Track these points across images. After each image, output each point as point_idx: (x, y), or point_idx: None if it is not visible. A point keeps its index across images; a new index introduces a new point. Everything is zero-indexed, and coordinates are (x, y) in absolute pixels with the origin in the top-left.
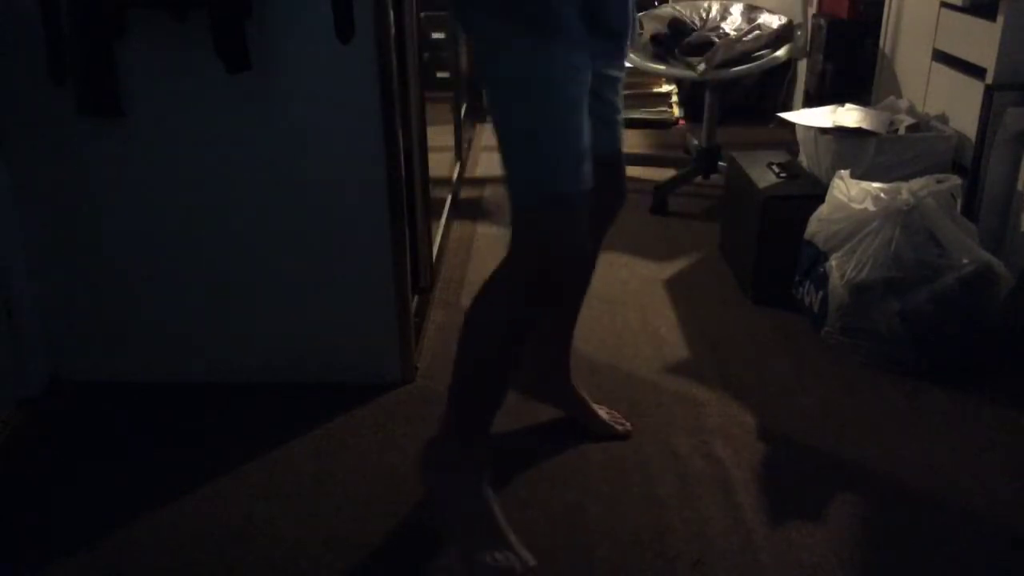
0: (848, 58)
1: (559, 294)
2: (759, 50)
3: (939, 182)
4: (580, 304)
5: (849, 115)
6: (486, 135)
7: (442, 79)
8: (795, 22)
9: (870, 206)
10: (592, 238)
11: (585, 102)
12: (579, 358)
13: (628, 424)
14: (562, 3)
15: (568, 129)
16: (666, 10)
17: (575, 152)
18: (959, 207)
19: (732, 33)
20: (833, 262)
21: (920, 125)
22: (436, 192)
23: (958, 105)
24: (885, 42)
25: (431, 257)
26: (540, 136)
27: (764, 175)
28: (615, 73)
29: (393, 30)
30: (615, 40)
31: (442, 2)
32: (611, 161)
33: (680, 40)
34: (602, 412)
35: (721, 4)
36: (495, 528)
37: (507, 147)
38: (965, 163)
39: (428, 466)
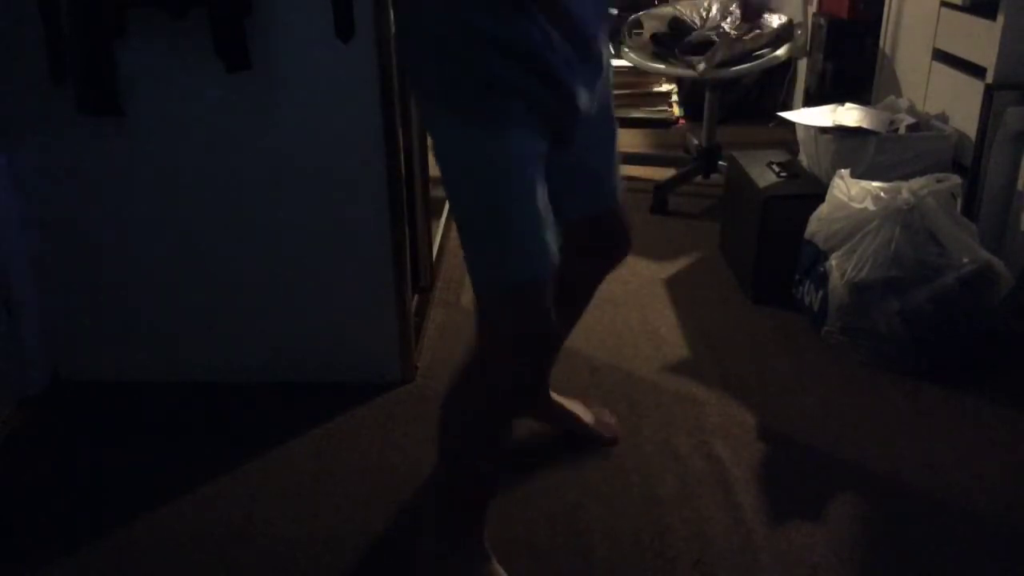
0: (848, 57)
1: (533, 375)
2: (759, 49)
3: (939, 181)
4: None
5: (849, 114)
6: None
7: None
8: (795, 21)
9: (870, 205)
10: (590, 281)
11: (540, 185)
12: (579, 358)
13: (615, 427)
14: (509, 93)
15: (522, 218)
16: (666, 9)
17: (530, 241)
18: (959, 207)
19: (732, 32)
20: (833, 261)
21: (920, 124)
22: (436, 191)
23: (958, 104)
24: (885, 41)
25: (431, 256)
26: (493, 227)
27: (764, 174)
28: (602, 133)
29: (393, 29)
30: (598, 116)
31: None
32: (609, 215)
33: (680, 39)
34: (588, 417)
35: (721, 3)
36: None
37: (464, 236)
38: (965, 162)
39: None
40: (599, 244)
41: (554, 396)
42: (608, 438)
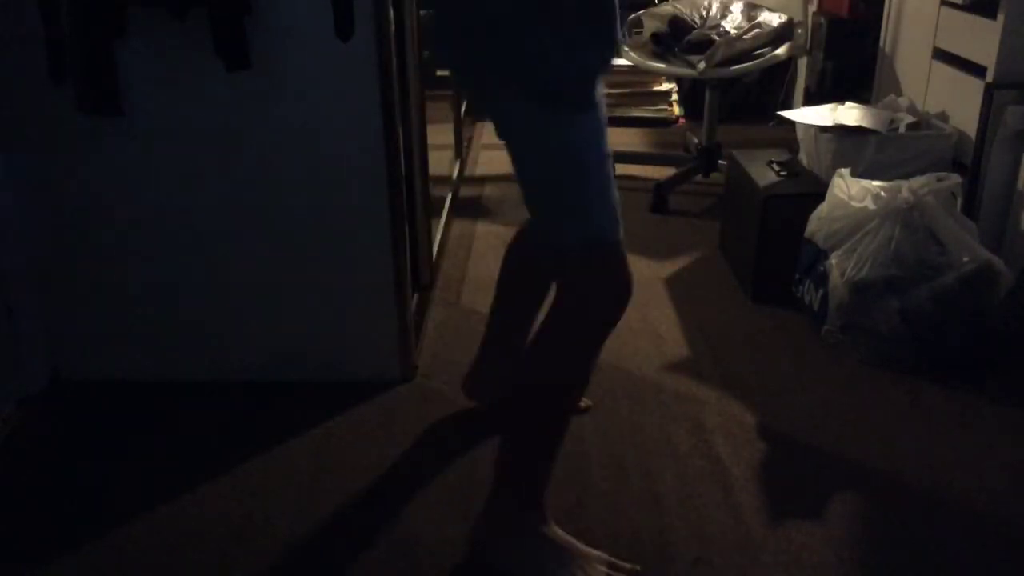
0: (848, 56)
1: (614, 324)
2: (759, 48)
3: (939, 180)
4: (535, 313)
5: (849, 113)
6: (486, 133)
7: (442, 77)
8: (795, 20)
9: (870, 204)
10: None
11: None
12: None
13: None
14: (593, 83)
15: (607, 184)
16: (666, 8)
17: (613, 204)
18: (959, 205)
19: (732, 31)
20: (833, 260)
21: (920, 123)
22: (436, 190)
23: (958, 103)
24: (885, 40)
25: (431, 255)
26: (587, 192)
27: (764, 173)
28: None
29: (393, 28)
30: None
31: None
32: None
33: (680, 38)
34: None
35: (721, 2)
36: (583, 552)
37: (551, 208)
38: (965, 161)
39: (489, 539)
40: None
41: None
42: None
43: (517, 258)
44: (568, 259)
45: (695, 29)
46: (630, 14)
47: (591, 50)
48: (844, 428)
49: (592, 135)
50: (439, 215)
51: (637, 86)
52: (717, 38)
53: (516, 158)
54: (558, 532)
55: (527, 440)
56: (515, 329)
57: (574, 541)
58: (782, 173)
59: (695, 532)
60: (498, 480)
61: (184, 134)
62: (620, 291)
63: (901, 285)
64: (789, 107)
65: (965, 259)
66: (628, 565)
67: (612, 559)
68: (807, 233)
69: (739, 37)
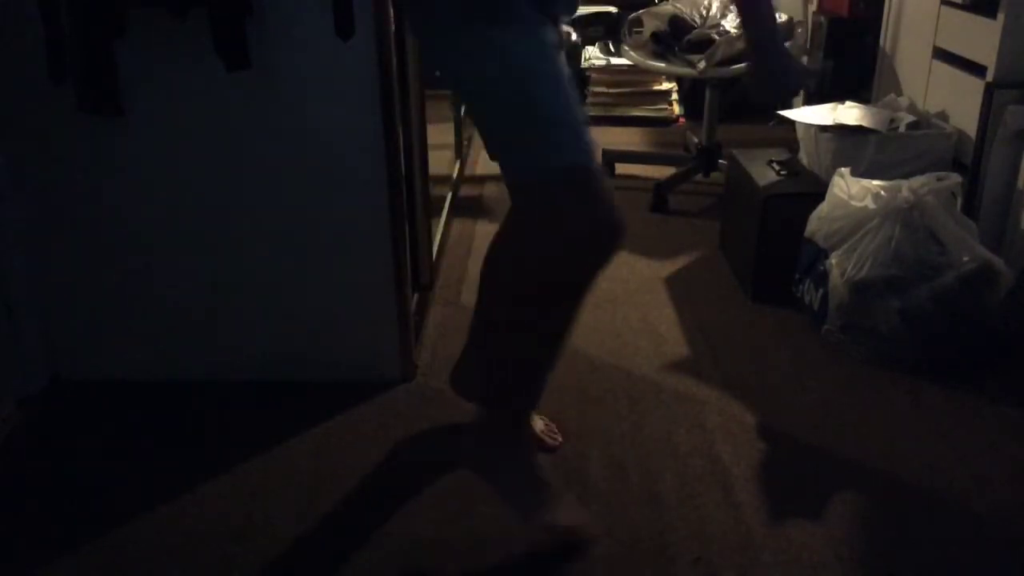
0: (848, 56)
1: (595, 267)
2: None
3: (939, 180)
4: None
5: (849, 113)
6: None
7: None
8: (795, 19)
9: (870, 204)
10: None
11: (565, 76)
12: (579, 356)
13: (559, 437)
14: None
15: (560, 104)
16: (666, 7)
17: (571, 126)
18: (959, 205)
19: (732, 30)
20: (833, 260)
21: (920, 123)
22: (436, 190)
23: (958, 103)
24: (885, 40)
25: (431, 255)
26: (534, 115)
27: (764, 173)
28: None
29: (393, 27)
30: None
31: None
32: None
33: (680, 37)
34: (539, 423)
35: (721, 2)
36: (556, 494)
37: (501, 136)
38: (965, 161)
39: (473, 449)
40: None
41: None
42: (549, 444)
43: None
44: (541, 194)
45: (695, 28)
46: (630, 14)
47: None
48: (844, 427)
49: (537, 49)
50: (439, 215)
51: (637, 85)
52: (717, 37)
53: (461, 94)
54: (540, 465)
55: (495, 363)
56: None
57: (551, 480)
58: (782, 173)
59: (695, 532)
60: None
61: (184, 134)
62: (597, 225)
63: (901, 285)
64: (789, 106)
65: (965, 259)
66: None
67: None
68: (807, 233)
69: (739, 36)
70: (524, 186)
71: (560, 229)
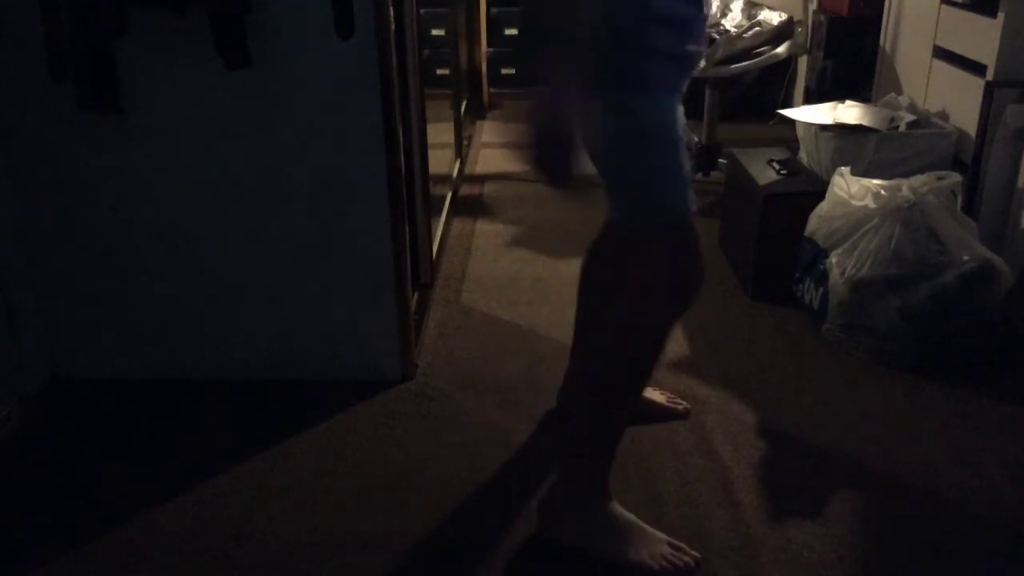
0: (848, 55)
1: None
2: (759, 47)
3: (939, 179)
4: None
5: (849, 112)
6: (486, 132)
7: (442, 76)
8: (795, 19)
9: (870, 203)
10: None
11: None
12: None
13: (684, 403)
14: (679, 73)
15: (682, 167)
16: None
17: (688, 182)
18: (959, 204)
19: (732, 30)
20: (833, 259)
21: (920, 122)
22: (436, 189)
23: (958, 102)
24: (885, 39)
25: (431, 254)
26: (668, 172)
27: (764, 172)
28: None
29: (393, 27)
30: None
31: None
32: None
33: None
34: (659, 395)
35: (722, 1)
36: (647, 532)
37: (636, 184)
38: (965, 160)
39: (554, 516)
40: None
41: None
42: (682, 411)
43: (598, 259)
44: (646, 240)
45: None
46: None
47: (667, 36)
48: (844, 426)
49: (666, 116)
50: (439, 214)
51: None
52: (717, 36)
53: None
54: (622, 511)
55: (593, 422)
56: None
57: (638, 520)
58: (782, 172)
59: (695, 532)
60: (564, 457)
61: (184, 133)
62: (695, 271)
63: (901, 284)
64: (789, 105)
65: (965, 258)
66: (691, 552)
67: (675, 542)
68: (807, 232)
69: (739, 35)
70: (643, 235)
71: (678, 272)
